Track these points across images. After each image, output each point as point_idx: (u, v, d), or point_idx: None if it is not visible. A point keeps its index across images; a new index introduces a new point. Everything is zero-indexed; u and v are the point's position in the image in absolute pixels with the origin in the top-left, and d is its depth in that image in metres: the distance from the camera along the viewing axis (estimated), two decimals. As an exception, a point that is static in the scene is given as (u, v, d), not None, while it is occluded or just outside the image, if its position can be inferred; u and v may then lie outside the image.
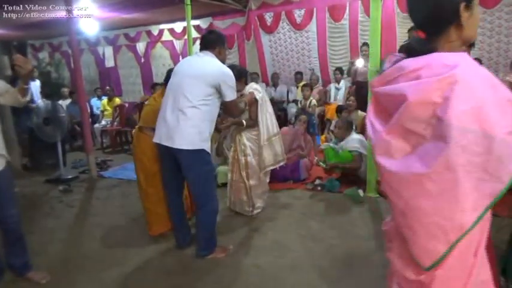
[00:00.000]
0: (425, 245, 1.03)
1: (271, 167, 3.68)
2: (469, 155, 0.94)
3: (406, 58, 1.12)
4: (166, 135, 2.67)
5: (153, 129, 2.86)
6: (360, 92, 6.05)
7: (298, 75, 7.75)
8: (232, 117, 3.22)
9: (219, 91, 2.69)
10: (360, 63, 6.41)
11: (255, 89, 3.50)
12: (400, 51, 1.16)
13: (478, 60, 5.86)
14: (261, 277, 2.62)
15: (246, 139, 3.51)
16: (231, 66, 3.02)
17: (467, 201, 0.96)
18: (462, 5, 1.04)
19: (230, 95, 2.74)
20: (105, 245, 3.26)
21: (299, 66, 8.12)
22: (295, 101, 7.49)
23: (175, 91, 2.71)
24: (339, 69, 7.21)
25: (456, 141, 0.93)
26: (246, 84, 3.59)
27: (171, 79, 2.83)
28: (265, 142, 3.58)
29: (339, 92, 7.04)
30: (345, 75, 7.27)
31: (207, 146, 2.72)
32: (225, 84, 2.68)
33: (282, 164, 3.77)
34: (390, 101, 1.10)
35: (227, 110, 2.99)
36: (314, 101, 6.39)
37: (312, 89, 6.63)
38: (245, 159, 3.50)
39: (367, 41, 6.91)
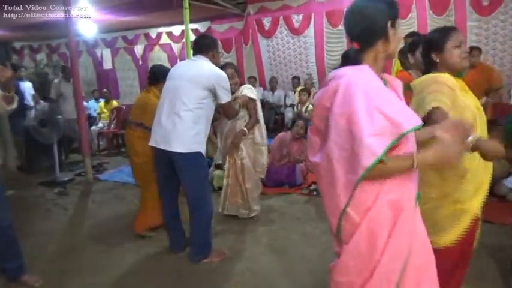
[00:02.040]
0: (330, 218, 1.32)
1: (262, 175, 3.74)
2: (340, 150, 1.19)
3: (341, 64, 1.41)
4: (162, 139, 2.69)
5: (138, 124, 3.26)
6: None
7: (296, 79, 7.79)
8: (228, 118, 3.23)
9: (213, 93, 2.72)
10: None
11: (248, 89, 3.52)
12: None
13: (478, 48, 5.52)
14: (255, 282, 2.63)
15: (242, 143, 3.52)
16: (226, 65, 3.13)
17: (340, 186, 1.22)
18: (389, 23, 1.25)
19: (225, 97, 2.77)
20: (99, 248, 3.25)
21: (296, 71, 8.17)
22: (292, 106, 7.52)
23: (171, 95, 2.72)
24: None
25: (332, 138, 1.20)
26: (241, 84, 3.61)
27: (166, 83, 2.84)
28: (264, 145, 3.61)
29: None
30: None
31: (202, 149, 2.74)
32: (220, 87, 2.71)
33: (261, 176, 3.79)
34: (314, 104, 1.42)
35: (223, 112, 3.01)
36: (311, 106, 6.41)
37: (309, 94, 6.66)
38: (241, 162, 3.51)
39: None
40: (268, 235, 3.36)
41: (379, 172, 1.16)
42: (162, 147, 2.69)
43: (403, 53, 3.16)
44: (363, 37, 1.27)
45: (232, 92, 3.29)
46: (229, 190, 3.60)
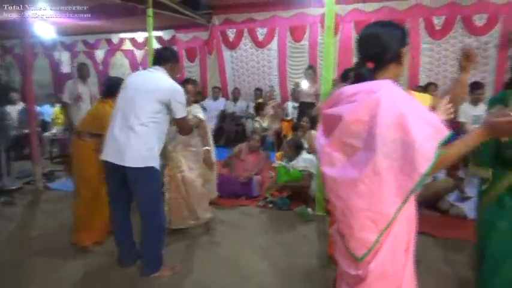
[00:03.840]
0: (359, 236, 1.26)
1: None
2: (390, 160, 1.18)
3: (352, 80, 1.40)
4: (115, 153, 2.63)
5: (93, 135, 3.23)
6: (304, 112, 6.24)
7: (258, 91, 7.88)
8: (182, 134, 3.18)
9: (168, 108, 2.69)
10: (304, 84, 6.68)
11: (197, 108, 3.58)
12: (346, 76, 1.41)
13: (434, 84, 6.14)
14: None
15: (180, 155, 3.52)
16: (188, 81, 3.17)
17: (390, 196, 1.21)
18: (403, 49, 1.38)
19: (180, 112, 2.75)
20: (45, 263, 3.11)
21: (259, 83, 8.27)
22: (252, 116, 7.59)
23: (124, 107, 2.68)
24: (294, 89, 7.40)
25: (380, 149, 1.18)
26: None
27: (120, 93, 2.79)
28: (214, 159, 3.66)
29: (296, 110, 7.21)
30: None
31: (156, 163, 2.70)
32: (176, 101, 2.69)
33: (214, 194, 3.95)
34: (332, 120, 1.35)
35: (177, 127, 2.98)
36: (257, 124, 6.51)
37: (263, 107, 6.78)
38: (181, 175, 3.49)
39: (312, 64, 7.23)
40: (221, 248, 3.35)
41: (444, 163, 1.22)
42: (115, 161, 2.62)
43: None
44: (379, 59, 1.37)
45: (188, 105, 3.34)
46: (171, 204, 3.51)
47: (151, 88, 2.67)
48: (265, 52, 8.14)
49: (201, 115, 3.54)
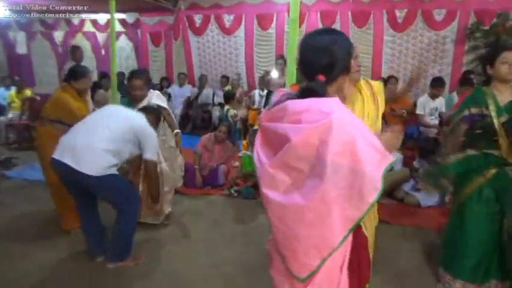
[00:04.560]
0: (303, 261, 1.24)
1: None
2: (338, 189, 1.14)
3: (293, 94, 1.30)
4: (72, 156, 2.55)
5: (52, 120, 3.24)
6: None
7: (224, 78, 7.84)
8: (146, 178, 3.11)
9: (139, 144, 2.75)
10: (274, 74, 6.71)
11: (157, 96, 3.46)
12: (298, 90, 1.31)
13: (395, 77, 6.43)
14: (169, 285, 2.64)
15: None
16: (141, 70, 3.14)
17: (336, 226, 1.18)
18: (351, 61, 1.37)
19: (150, 155, 2.79)
20: (6, 253, 3.02)
21: (226, 70, 8.23)
22: (220, 104, 7.56)
23: (99, 119, 2.74)
24: (262, 77, 7.42)
25: (329, 178, 1.13)
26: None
27: (103, 108, 2.94)
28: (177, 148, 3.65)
29: (263, 99, 7.25)
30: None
31: (114, 171, 2.67)
32: (148, 142, 2.76)
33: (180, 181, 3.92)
34: (275, 137, 1.26)
35: (144, 167, 2.99)
36: (232, 112, 6.51)
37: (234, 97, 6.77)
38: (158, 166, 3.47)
39: (283, 54, 7.26)
40: (185, 237, 3.39)
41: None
42: (71, 164, 2.52)
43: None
44: (331, 71, 1.29)
45: (140, 100, 3.29)
46: (145, 195, 3.44)
47: (130, 119, 2.78)
48: (232, 39, 8.08)
49: (162, 102, 3.45)
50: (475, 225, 2.44)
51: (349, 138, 1.13)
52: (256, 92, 7.55)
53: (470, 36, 6.71)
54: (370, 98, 1.87)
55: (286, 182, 1.23)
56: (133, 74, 3.40)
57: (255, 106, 7.33)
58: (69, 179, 2.65)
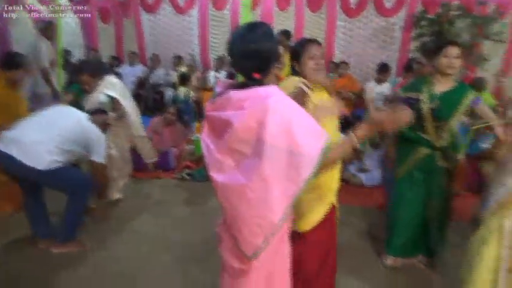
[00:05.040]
0: (249, 239, 1.31)
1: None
2: (276, 167, 1.23)
3: (235, 85, 1.40)
4: (18, 149, 2.53)
5: None
6: None
7: (177, 59, 7.65)
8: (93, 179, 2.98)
9: (87, 146, 2.74)
10: None
11: (110, 84, 3.38)
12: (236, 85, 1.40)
13: (345, 63, 6.60)
14: (117, 270, 2.63)
15: (112, 134, 3.40)
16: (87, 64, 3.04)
17: (276, 204, 1.26)
18: (281, 50, 1.44)
19: (98, 157, 2.78)
20: None
21: (179, 50, 8.01)
22: (174, 85, 7.41)
23: (51, 119, 2.71)
24: (221, 58, 7.35)
25: (268, 157, 1.22)
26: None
27: (54, 108, 2.91)
28: (140, 133, 3.58)
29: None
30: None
31: (62, 165, 2.66)
32: (96, 145, 2.76)
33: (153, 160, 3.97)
34: (220, 124, 1.35)
35: (92, 168, 2.90)
36: (192, 93, 6.44)
37: (190, 79, 6.66)
38: (111, 152, 3.40)
39: None
40: (135, 221, 3.36)
41: (327, 166, 1.29)
42: (16, 156, 2.51)
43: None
44: (264, 69, 1.35)
45: (91, 91, 3.25)
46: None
47: (78, 128, 2.74)
48: (186, 18, 7.89)
49: (113, 93, 3.37)
50: (405, 205, 2.64)
51: (285, 119, 1.22)
52: (212, 73, 7.48)
53: (417, 24, 7.02)
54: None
55: (231, 164, 1.31)
56: (79, 68, 3.39)
57: (210, 87, 7.27)
58: (13, 169, 2.62)
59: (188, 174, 4.39)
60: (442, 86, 2.51)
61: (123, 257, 2.79)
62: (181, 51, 7.97)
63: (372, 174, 4.31)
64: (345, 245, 3.07)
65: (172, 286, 2.49)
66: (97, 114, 2.95)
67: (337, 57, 7.69)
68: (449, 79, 2.51)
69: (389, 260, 2.73)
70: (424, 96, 2.51)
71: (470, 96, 2.48)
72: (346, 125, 4.86)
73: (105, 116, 3.05)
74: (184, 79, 6.60)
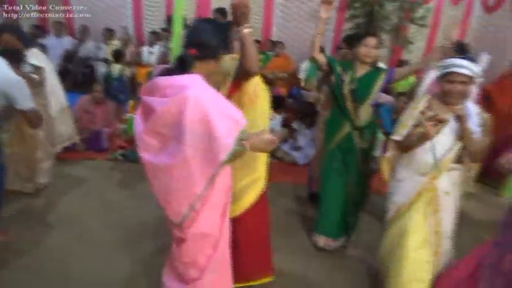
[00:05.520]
0: (176, 209, 1.52)
1: (66, 143, 3.61)
2: (196, 150, 1.42)
3: (166, 70, 1.55)
4: None
5: None
6: None
7: (108, 32, 7.22)
8: (32, 128, 2.72)
9: (7, 96, 2.31)
10: None
11: (34, 54, 3.19)
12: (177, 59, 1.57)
13: (282, 43, 6.67)
14: (46, 257, 2.54)
15: None
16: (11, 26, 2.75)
17: (198, 179, 1.47)
18: (224, 55, 1.64)
19: (27, 103, 2.37)
20: None
21: (111, 22, 7.55)
22: (105, 60, 7.01)
23: None
24: (154, 33, 7.06)
25: (188, 141, 1.41)
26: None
27: None
28: (56, 113, 3.35)
29: (152, 56, 6.94)
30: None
31: None
32: (18, 91, 2.33)
33: (74, 141, 3.78)
34: (148, 108, 1.52)
35: (26, 121, 2.51)
36: (127, 70, 6.15)
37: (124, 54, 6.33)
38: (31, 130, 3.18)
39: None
40: (66, 205, 3.24)
41: (238, 155, 1.47)
42: None
43: None
44: (202, 50, 1.55)
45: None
46: (14, 159, 3.17)
47: None
48: (118, -13, 7.43)
49: (38, 62, 3.14)
50: (329, 183, 2.82)
51: (203, 109, 1.39)
52: (145, 48, 7.18)
53: (350, 5, 7.26)
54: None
55: (156, 145, 1.49)
56: (2, 28, 3.04)
57: (144, 63, 6.99)
58: None
59: (122, 155, 4.27)
60: (361, 71, 2.72)
61: (49, 243, 2.69)
62: (113, 24, 7.52)
63: (304, 152, 4.50)
64: (274, 223, 3.21)
65: (104, 270, 2.47)
66: (7, 54, 2.56)
67: (275, 35, 7.75)
68: (366, 66, 2.71)
69: (321, 240, 2.83)
70: (346, 78, 2.71)
71: (382, 76, 2.69)
72: (279, 104, 5.02)
73: (18, 54, 2.77)
74: (118, 56, 6.26)
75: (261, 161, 2.09)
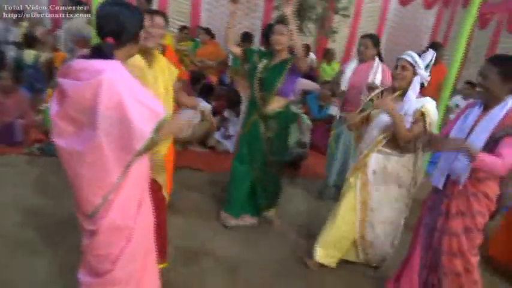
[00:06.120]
0: (89, 198, 1.45)
1: None
2: (110, 137, 1.37)
3: (85, 55, 1.46)
4: None
5: None
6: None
7: (17, 13, 6.51)
8: None
9: None
10: None
11: None
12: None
13: (209, 32, 6.55)
14: None
15: None
16: None
17: (112, 167, 1.42)
18: (140, 31, 1.55)
19: None
20: None
21: (22, 1, 6.84)
22: (15, 44, 6.34)
23: None
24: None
25: (101, 128, 1.35)
26: None
27: None
28: None
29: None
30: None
31: None
32: None
33: None
34: (61, 90, 1.43)
35: None
36: (44, 57, 5.62)
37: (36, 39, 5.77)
38: None
39: None
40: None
41: (153, 145, 1.46)
42: None
43: None
44: (118, 37, 1.46)
45: None
46: None
47: None
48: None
49: None
50: (234, 167, 2.97)
51: (118, 95, 1.34)
52: (63, 31, 6.62)
53: (278, -6, 7.36)
54: (166, 69, 2.14)
55: (70, 130, 1.42)
56: None
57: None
58: None
59: (38, 149, 3.93)
60: (276, 59, 2.79)
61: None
62: (25, 2, 6.80)
63: (235, 140, 4.52)
64: (203, 210, 3.25)
65: (20, 275, 2.28)
66: None
67: (204, 21, 7.61)
68: (282, 54, 2.79)
69: (223, 216, 3.02)
70: (260, 66, 2.78)
71: (287, 66, 2.76)
72: (209, 92, 5.00)
73: None
74: (31, 40, 5.69)
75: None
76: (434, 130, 2.32)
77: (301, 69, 2.74)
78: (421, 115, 2.29)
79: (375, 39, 3.33)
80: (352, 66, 3.43)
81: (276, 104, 2.80)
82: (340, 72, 3.59)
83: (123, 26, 1.47)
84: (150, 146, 1.44)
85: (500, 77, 1.85)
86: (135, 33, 1.52)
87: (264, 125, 2.83)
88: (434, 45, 4.30)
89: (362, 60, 3.35)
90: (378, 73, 3.24)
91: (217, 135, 4.56)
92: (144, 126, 1.38)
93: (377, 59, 3.31)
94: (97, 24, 1.49)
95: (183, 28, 6.70)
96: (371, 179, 2.47)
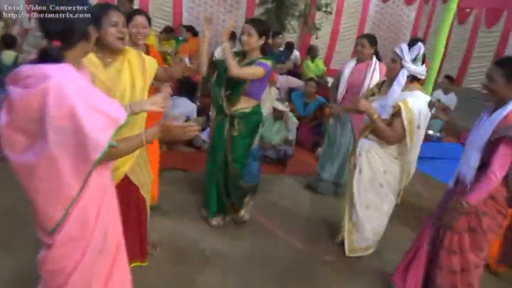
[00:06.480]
0: (48, 213, 1.34)
1: None
2: (63, 148, 1.25)
3: (37, 59, 1.30)
4: None
5: None
6: None
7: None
8: None
9: None
10: None
11: None
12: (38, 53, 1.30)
13: (192, 30, 6.50)
14: None
15: None
16: None
17: (70, 179, 1.30)
18: (91, 27, 1.38)
19: None
20: None
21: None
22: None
23: None
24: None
25: (52, 139, 1.23)
26: None
27: None
28: None
29: None
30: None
31: None
32: None
33: None
34: (11, 99, 1.28)
35: None
36: (22, 58, 5.45)
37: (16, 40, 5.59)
38: None
39: None
40: None
41: (114, 155, 1.37)
42: None
43: None
44: (66, 38, 1.31)
45: None
46: None
47: None
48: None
49: None
50: (206, 165, 3.02)
51: (68, 102, 1.22)
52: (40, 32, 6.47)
53: (261, -9, 7.37)
54: (139, 69, 1.98)
55: (22, 142, 1.29)
56: None
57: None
58: None
59: None
60: (245, 60, 2.72)
61: None
62: (2, 2, 6.64)
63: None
64: (176, 210, 3.20)
65: None
66: None
67: (186, 19, 7.57)
68: (252, 54, 2.69)
69: (203, 212, 3.06)
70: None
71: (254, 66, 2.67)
72: (190, 88, 4.94)
73: None
74: (10, 41, 5.53)
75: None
76: (414, 127, 2.36)
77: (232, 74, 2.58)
78: (398, 109, 2.33)
79: (371, 39, 3.42)
80: (350, 65, 3.51)
81: (243, 105, 2.74)
82: (339, 74, 3.63)
83: (70, 27, 1.31)
84: (113, 155, 1.35)
85: (505, 79, 1.88)
86: (86, 30, 1.36)
87: (229, 124, 2.77)
88: (415, 41, 4.37)
89: (360, 59, 3.46)
90: (375, 72, 3.36)
91: (203, 135, 4.54)
92: (99, 136, 1.26)
93: (374, 58, 3.42)
94: (42, 26, 1.31)
95: (167, 29, 6.64)
96: (358, 162, 2.60)
